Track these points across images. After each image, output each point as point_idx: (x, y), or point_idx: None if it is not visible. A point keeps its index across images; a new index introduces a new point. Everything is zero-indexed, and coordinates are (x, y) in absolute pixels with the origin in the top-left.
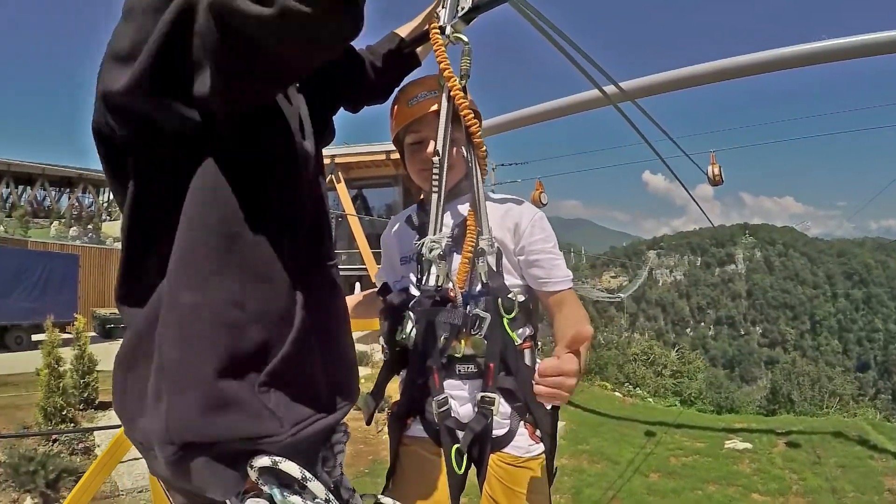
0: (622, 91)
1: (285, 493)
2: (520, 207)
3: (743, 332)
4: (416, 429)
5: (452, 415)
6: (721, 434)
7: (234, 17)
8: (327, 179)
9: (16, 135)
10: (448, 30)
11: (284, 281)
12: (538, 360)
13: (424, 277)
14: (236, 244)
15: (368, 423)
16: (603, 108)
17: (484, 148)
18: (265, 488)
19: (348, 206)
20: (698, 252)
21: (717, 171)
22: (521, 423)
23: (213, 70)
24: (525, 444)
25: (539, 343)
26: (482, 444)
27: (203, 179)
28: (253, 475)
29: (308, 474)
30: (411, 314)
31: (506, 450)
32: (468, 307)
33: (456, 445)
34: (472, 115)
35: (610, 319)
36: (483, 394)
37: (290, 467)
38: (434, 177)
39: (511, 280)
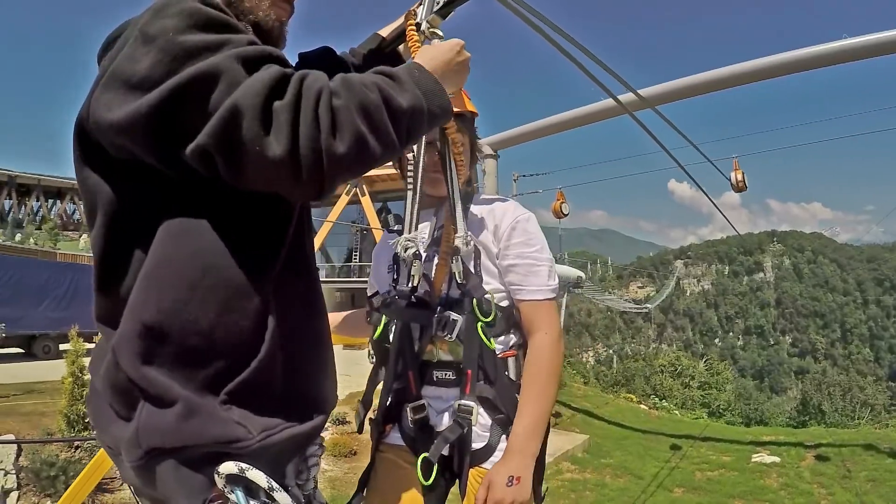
0: (641, 98)
1: (251, 502)
2: (503, 207)
3: (772, 342)
4: (394, 436)
5: (431, 423)
6: (748, 447)
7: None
8: (350, 193)
9: (47, 150)
10: (424, 25)
11: (256, 307)
12: None
13: (401, 279)
14: (210, 275)
15: (360, 431)
16: (625, 115)
17: (459, 143)
18: (231, 496)
19: (373, 220)
20: (726, 261)
21: (740, 177)
22: (503, 437)
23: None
24: None
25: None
26: (461, 456)
27: (183, 208)
28: (219, 482)
29: (275, 484)
30: (389, 316)
31: (485, 465)
32: (440, 309)
33: (424, 455)
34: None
35: (637, 330)
36: (460, 402)
37: (257, 476)
38: (409, 174)
39: (494, 284)
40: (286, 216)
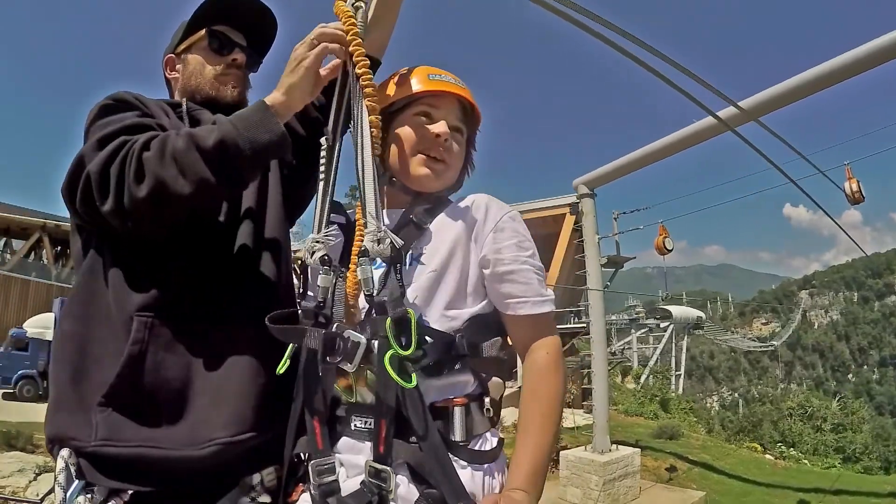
0: (742, 111)
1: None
2: (483, 202)
3: None
4: (304, 501)
5: (343, 492)
6: (887, 500)
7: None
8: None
9: None
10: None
11: (118, 335)
12: (494, 436)
13: (309, 292)
14: (89, 306)
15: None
16: (716, 139)
17: (377, 114)
18: (59, 475)
19: None
20: (854, 286)
21: (855, 186)
22: None
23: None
24: None
25: (489, 409)
26: None
27: (94, 253)
28: (61, 471)
29: (71, 472)
30: (288, 340)
31: None
32: (336, 327)
33: None
34: (368, 65)
35: (763, 370)
36: (372, 463)
37: (59, 463)
38: (322, 159)
39: (459, 309)
40: (160, 260)
